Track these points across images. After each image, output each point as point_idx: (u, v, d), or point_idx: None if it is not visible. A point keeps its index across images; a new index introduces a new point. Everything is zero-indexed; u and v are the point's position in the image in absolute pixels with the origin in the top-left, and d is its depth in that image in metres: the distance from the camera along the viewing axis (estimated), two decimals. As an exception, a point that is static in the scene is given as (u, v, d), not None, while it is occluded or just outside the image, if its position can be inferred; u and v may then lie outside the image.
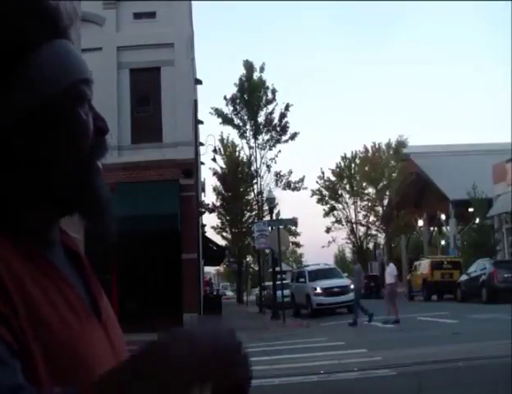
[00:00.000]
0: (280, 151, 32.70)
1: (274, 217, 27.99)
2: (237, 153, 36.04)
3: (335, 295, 23.81)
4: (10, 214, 0.78)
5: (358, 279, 20.37)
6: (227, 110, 32.12)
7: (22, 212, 0.79)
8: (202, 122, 29.29)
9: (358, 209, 47.72)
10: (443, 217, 43.65)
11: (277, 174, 33.64)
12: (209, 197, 43.06)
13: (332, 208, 48.62)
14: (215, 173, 36.39)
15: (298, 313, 26.31)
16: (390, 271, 19.53)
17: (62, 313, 0.74)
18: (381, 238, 49.73)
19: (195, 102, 9.99)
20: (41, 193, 0.80)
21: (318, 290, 24.07)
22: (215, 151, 30.47)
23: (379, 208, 46.12)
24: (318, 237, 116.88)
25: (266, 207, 31.29)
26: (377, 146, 46.14)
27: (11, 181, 0.78)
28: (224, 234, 43.48)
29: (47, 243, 0.82)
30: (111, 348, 0.82)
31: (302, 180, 34.91)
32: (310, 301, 24.57)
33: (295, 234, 43.05)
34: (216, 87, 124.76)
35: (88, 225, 0.86)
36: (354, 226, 48.31)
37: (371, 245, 53.19)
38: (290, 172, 34.52)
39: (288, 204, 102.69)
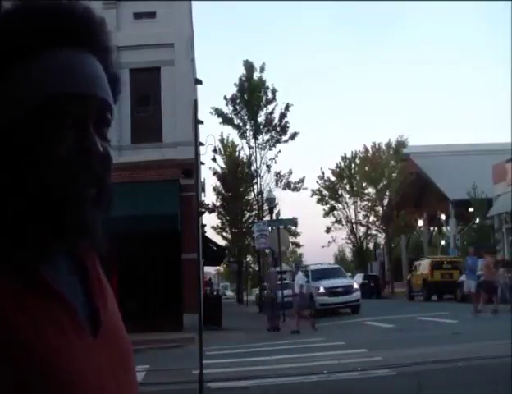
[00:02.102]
0: (280, 151, 32.77)
1: (274, 217, 28.00)
2: (237, 153, 36.03)
3: (338, 295, 23.47)
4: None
5: (272, 284, 19.74)
6: (227, 110, 32.18)
7: (17, 221, 0.76)
8: (202, 122, 29.26)
9: (358, 209, 47.75)
10: (443, 217, 43.66)
11: (277, 174, 33.68)
12: (209, 197, 43.02)
13: (332, 208, 48.63)
14: (215, 173, 36.40)
15: None
16: (298, 279, 19.06)
17: (44, 333, 0.72)
18: (381, 238, 49.72)
19: (195, 102, 9.96)
20: (32, 201, 0.75)
21: (322, 290, 23.74)
22: (215, 151, 30.44)
23: (379, 208, 46.09)
24: (318, 237, 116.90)
25: (266, 207, 31.31)
26: (377, 146, 46.13)
27: (2, 185, 0.75)
28: (224, 234, 43.49)
29: (44, 253, 0.78)
30: (106, 361, 0.80)
31: (302, 180, 34.97)
32: (313, 301, 23.97)
33: (295, 234, 43.04)
34: (216, 87, 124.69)
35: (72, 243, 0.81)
36: (354, 226, 48.31)
37: (371, 245, 53.19)
38: (290, 172, 34.56)
39: (288, 204, 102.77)
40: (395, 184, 42.78)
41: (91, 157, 0.75)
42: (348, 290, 23.65)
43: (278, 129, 32.13)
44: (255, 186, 33.98)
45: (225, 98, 32.14)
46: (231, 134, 44.45)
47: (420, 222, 47.70)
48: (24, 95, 0.75)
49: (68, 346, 0.74)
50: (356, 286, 24.92)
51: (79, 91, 0.76)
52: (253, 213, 37.33)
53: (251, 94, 31.67)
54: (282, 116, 32.16)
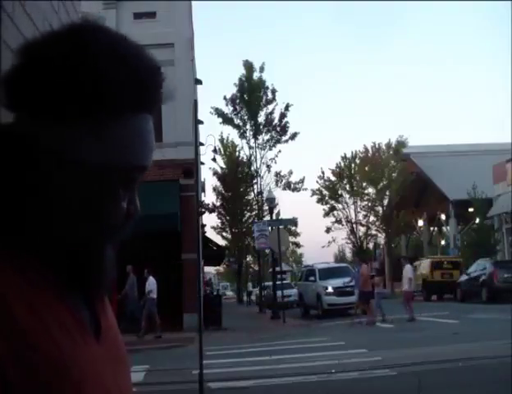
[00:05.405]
0: (280, 151, 32.79)
1: (274, 217, 28.00)
2: (237, 153, 36.03)
3: (347, 295, 22.37)
4: (14, 230, 0.77)
5: (131, 289, 17.36)
6: (227, 110, 32.17)
7: (28, 229, 0.77)
8: (202, 122, 29.16)
9: (358, 209, 47.66)
10: (443, 217, 43.64)
11: (277, 174, 33.71)
12: (209, 197, 43.03)
13: (332, 208, 48.57)
14: (215, 173, 36.43)
15: (307, 314, 25.27)
16: (147, 285, 17.24)
17: (52, 334, 0.73)
18: (381, 238, 49.67)
19: (195, 102, 9.96)
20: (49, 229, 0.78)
21: (330, 290, 22.93)
22: (215, 151, 30.44)
23: (379, 208, 46.05)
24: (318, 237, 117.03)
25: (266, 207, 31.30)
26: (377, 146, 46.09)
27: (23, 202, 0.77)
28: (224, 234, 43.49)
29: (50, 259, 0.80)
30: (110, 368, 0.81)
31: (302, 181, 34.99)
32: (321, 301, 23.25)
33: (295, 234, 43.02)
34: (216, 87, 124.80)
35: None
36: (354, 226, 48.26)
37: (371, 245, 53.15)
38: (291, 173, 34.60)
39: (288, 204, 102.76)
40: (395, 184, 42.74)
41: (132, 218, 0.83)
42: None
43: (278, 129, 32.13)
44: (255, 186, 34.01)
45: (225, 98, 32.16)
46: (231, 134, 44.54)
47: (420, 222, 47.66)
48: (105, 153, 0.77)
49: (77, 351, 0.75)
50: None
51: (147, 163, 0.82)
52: (253, 213, 37.33)
53: (251, 94, 31.66)
54: (282, 116, 32.17)
